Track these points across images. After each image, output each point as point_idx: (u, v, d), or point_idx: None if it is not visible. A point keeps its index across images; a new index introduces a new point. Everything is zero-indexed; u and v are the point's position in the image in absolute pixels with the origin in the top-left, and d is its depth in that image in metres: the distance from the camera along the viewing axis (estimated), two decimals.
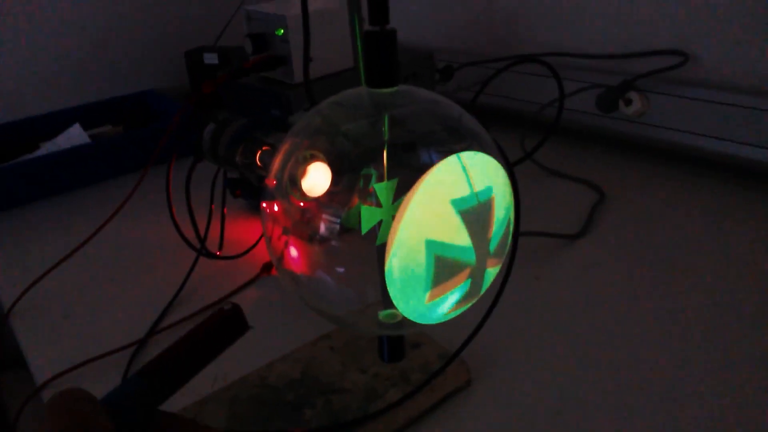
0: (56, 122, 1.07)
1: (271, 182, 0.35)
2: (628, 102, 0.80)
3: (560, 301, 0.59)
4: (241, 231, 0.76)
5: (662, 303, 0.57)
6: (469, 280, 0.33)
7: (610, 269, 0.63)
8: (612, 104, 0.81)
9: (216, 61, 1.11)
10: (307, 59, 0.46)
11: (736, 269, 0.60)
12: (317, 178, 0.35)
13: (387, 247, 0.29)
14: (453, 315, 0.34)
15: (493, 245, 0.33)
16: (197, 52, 1.14)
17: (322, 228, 0.33)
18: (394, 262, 0.30)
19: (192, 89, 1.19)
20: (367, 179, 0.32)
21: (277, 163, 0.35)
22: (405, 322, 0.33)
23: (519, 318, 0.56)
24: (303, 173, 0.35)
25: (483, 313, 0.43)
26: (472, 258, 0.32)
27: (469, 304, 0.35)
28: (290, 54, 0.67)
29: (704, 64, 0.79)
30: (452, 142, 0.32)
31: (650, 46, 0.84)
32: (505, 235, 0.34)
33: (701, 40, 0.79)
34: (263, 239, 0.71)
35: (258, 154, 0.46)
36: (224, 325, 0.29)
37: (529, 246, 0.65)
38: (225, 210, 0.69)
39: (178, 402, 0.49)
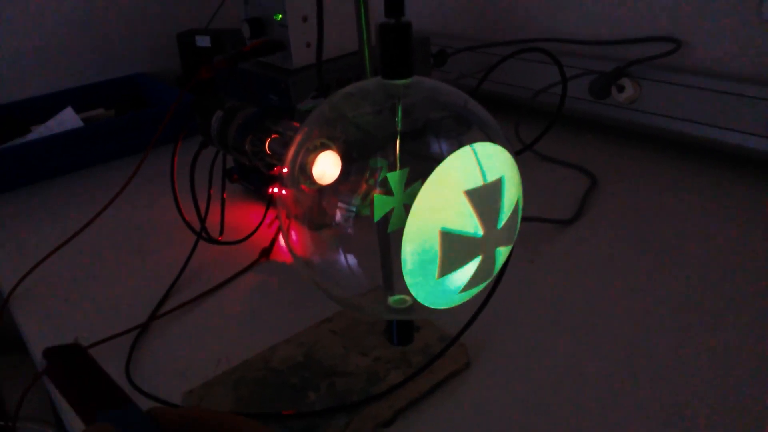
0: (47, 105, 1.06)
1: (284, 171, 0.36)
2: (621, 88, 0.81)
3: (554, 284, 0.60)
4: (239, 215, 0.76)
5: (653, 286, 0.58)
6: (479, 258, 0.33)
7: (603, 253, 0.64)
8: (605, 91, 0.82)
9: (208, 44, 1.10)
10: (320, 43, 0.46)
11: (726, 253, 0.62)
12: (327, 167, 0.36)
13: (405, 234, 0.30)
14: (465, 298, 0.35)
15: (500, 223, 0.34)
16: (189, 35, 1.14)
17: (333, 215, 0.34)
18: (408, 248, 0.31)
19: (184, 72, 1.18)
20: (379, 168, 0.32)
21: (290, 152, 0.35)
22: (414, 307, 0.34)
23: (515, 301, 0.57)
24: (313, 161, 0.36)
25: (482, 297, 0.44)
26: (482, 240, 0.33)
27: (481, 286, 0.36)
28: (289, 39, 0.67)
29: (696, 51, 0.80)
30: (463, 131, 0.33)
31: (643, 33, 0.85)
32: (514, 219, 0.35)
33: (694, 27, 0.80)
34: (264, 225, 0.71)
35: (267, 142, 0.47)
36: None
37: (524, 230, 0.66)
38: (225, 195, 0.69)
39: (184, 385, 0.50)
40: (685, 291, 0.57)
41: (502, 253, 0.36)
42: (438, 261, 0.31)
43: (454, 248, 0.32)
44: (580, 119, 0.89)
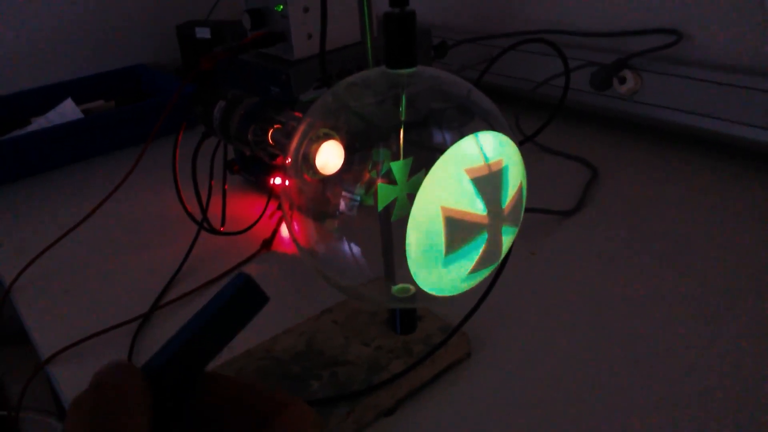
0: (47, 97, 1.05)
1: (287, 161, 0.36)
2: (622, 80, 0.81)
3: (555, 275, 0.60)
4: (240, 206, 0.76)
5: (653, 277, 0.58)
6: (485, 237, 0.33)
7: (603, 244, 0.64)
8: (606, 82, 0.82)
9: (208, 36, 1.10)
10: (324, 33, 0.46)
11: (726, 245, 0.62)
12: (330, 156, 0.36)
13: (409, 222, 0.30)
14: (467, 286, 0.35)
15: (504, 203, 0.34)
16: (189, 27, 1.13)
17: (336, 204, 0.34)
18: (412, 236, 0.31)
19: (184, 64, 1.18)
20: (383, 158, 0.33)
21: (293, 142, 0.35)
22: (417, 295, 0.35)
23: (516, 291, 0.57)
24: (316, 151, 0.36)
25: (484, 287, 0.44)
26: (486, 219, 0.33)
27: (487, 270, 0.36)
28: (290, 30, 0.67)
29: (697, 43, 0.80)
30: (467, 120, 0.33)
31: (644, 25, 0.85)
32: (519, 201, 0.35)
33: (695, 19, 0.80)
34: (265, 216, 0.72)
35: (270, 132, 0.47)
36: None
37: (525, 222, 0.66)
38: (226, 186, 0.69)
39: None
40: (685, 282, 0.57)
41: (508, 235, 0.36)
42: (443, 242, 0.31)
43: (458, 229, 0.32)
44: (581, 111, 0.89)
